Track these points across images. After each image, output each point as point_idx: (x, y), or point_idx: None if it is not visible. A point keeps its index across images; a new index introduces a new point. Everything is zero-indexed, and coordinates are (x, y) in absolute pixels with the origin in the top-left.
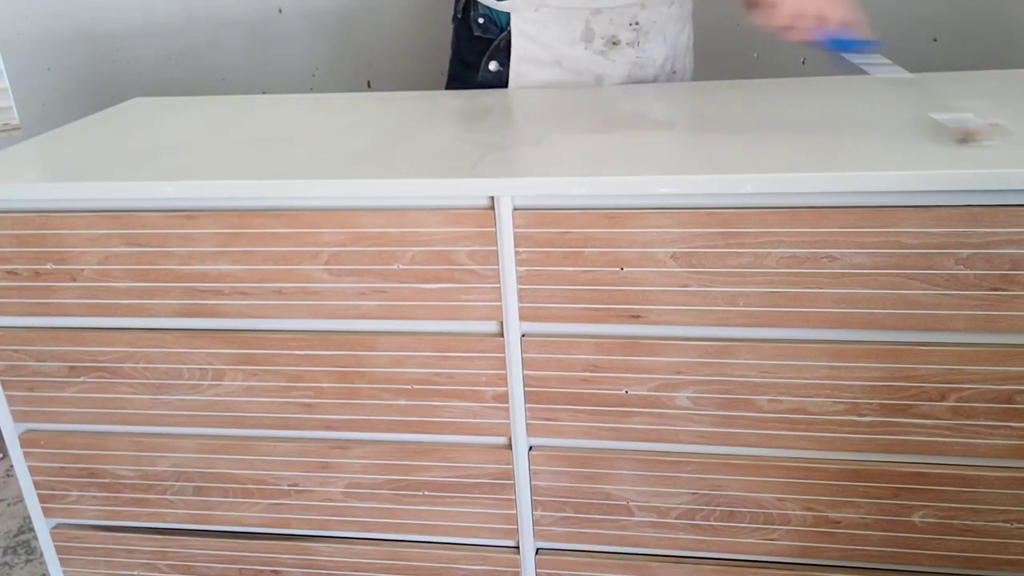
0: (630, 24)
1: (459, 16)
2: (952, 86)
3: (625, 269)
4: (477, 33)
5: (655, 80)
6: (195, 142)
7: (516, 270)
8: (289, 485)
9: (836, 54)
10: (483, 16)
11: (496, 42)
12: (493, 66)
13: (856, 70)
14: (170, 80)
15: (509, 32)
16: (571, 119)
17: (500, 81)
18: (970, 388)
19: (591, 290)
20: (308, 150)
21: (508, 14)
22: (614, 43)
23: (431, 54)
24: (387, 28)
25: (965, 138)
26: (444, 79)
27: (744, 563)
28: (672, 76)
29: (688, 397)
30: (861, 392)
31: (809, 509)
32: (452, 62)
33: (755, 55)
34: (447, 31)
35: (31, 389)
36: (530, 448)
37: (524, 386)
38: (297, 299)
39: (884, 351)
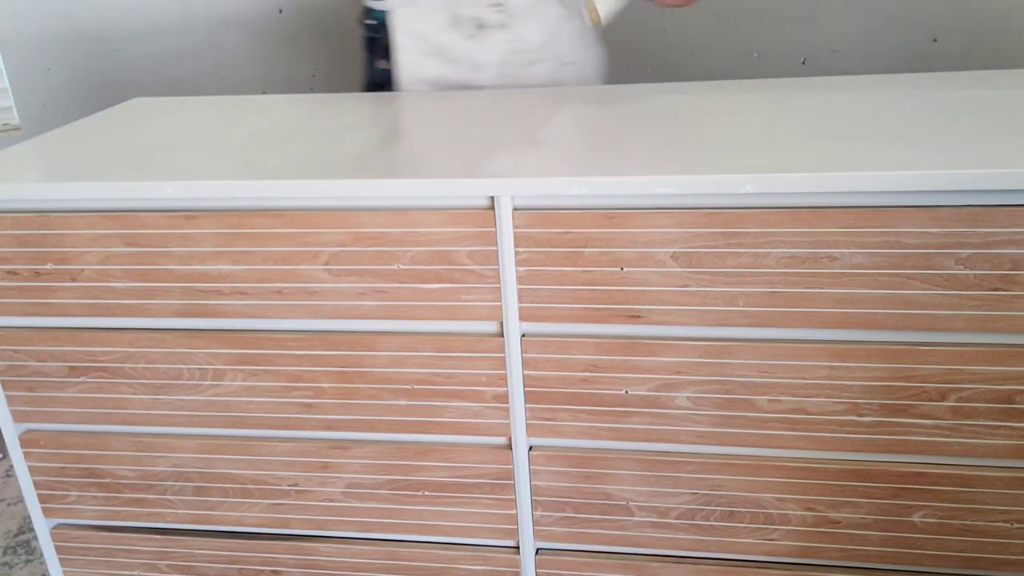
0: (494, 5)
1: (359, 22)
2: (952, 86)
3: (625, 269)
4: (370, 35)
5: (535, 65)
6: (195, 142)
7: (516, 270)
8: (289, 485)
9: None
10: (371, 18)
11: (381, 40)
12: (383, 63)
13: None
14: (170, 80)
15: (392, 29)
16: (571, 119)
17: (388, 78)
18: (970, 388)
19: (591, 290)
20: (308, 150)
21: (390, 12)
22: (480, 26)
23: None
24: None
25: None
26: None
27: (744, 563)
28: (565, 66)
29: (688, 397)
30: (861, 392)
31: (809, 509)
32: (362, 70)
33: (755, 55)
34: None
35: (31, 389)
36: (530, 448)
37: (524, 386)
38: (297, 299)
39: (884, 351)
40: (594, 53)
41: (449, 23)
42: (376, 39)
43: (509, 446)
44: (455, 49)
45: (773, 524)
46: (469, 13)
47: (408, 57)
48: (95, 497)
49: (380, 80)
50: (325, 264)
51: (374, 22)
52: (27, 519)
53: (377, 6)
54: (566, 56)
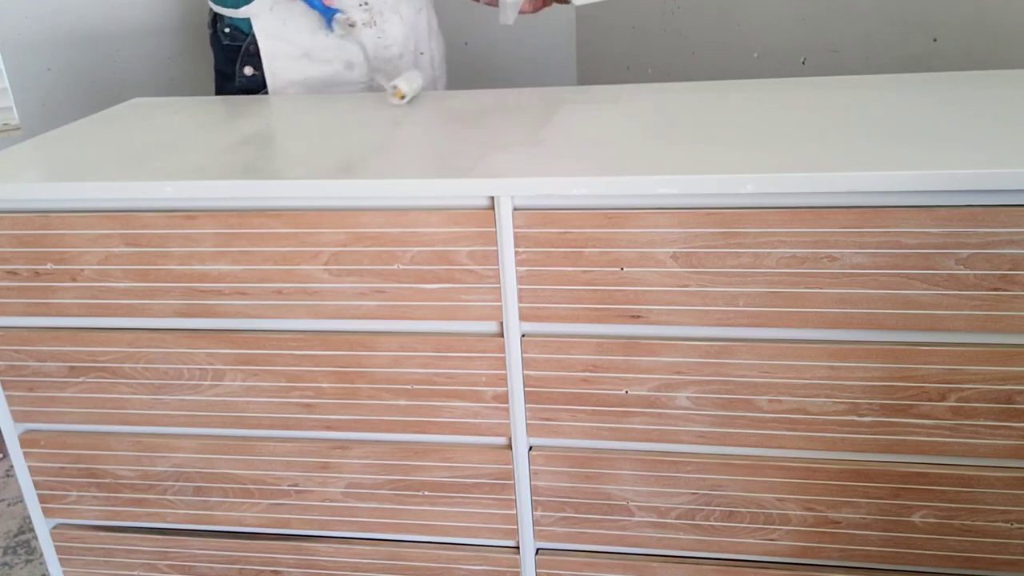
0: (360, 4)
1: (211, 31)
2: (952, 86)
3: (625, 269)
4: (226, 43)
5: (400, 58)
6: (195, 142)
7: (516, 270)
8: (289, 485)
9: None
10: (228, 26)
11: (245, 47)
12: (248, 71)
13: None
14: (170, 80)
15: (255, 35)
16: (571, 119)
17: (256, 84)
18: (970, 388)
19: (591, 290)
20: (308, 150)
21: (250, 20)
22: (350, 25)
23: None
24: None
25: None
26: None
27: (744, 563)
28: (419, 57)
29: (688, 397)
30: (861, 392)
31: (809, 509)
32: (216, 80)
33: (755, 55)
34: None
35: (31, 389)
36: (530, 448)
37: (524, 386)
38: (297, 299)
39: (884, 351)
40: (439, 43)
41: (318, 24)
42: (237, 47)
43: (509, 446)
44: (327, 48)
45: (773, 524)
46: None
47: (277, 63)
48: (95, 497)
49: (249, 87)
50: (325, 264)
51: (231, 30)
52: (27, 519)
53: (236, 15)
54: (422, 46)
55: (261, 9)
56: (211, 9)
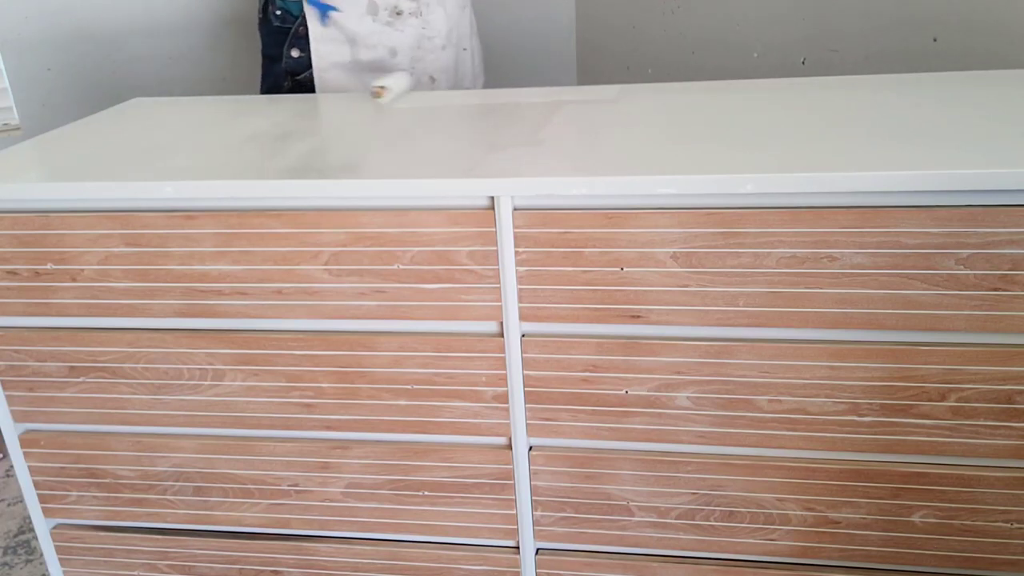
0: None
1: (260, 16)
2: (952, 86)
3: (625, 269)
4: (276, 24)
5: (443, 49)
6: (195, 142)
7: (516, 270)
8: (289, 485)
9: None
10: (280, 8)
11: (294, 29)
12: (295, 52)
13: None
14: (170, 80)
15: (305, 18)
16: (571, 119)
17: (303, 66)
18: (970, 388)
19: (591, 290)
20: (307, 150)
21: (301, 2)
22: (397, 13)
23: None
24: None
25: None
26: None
27: (744, 563)
28: (462, 53)
29: (688, 397)
30: (861, 392)
31: (809, 509)
32: (263, 65)
33: (755, 55)
34: None
35: (31, 389)
36: (530, 448)
37: (524, 386)
38: (297, 299)
39: (884, 351)
40: (478, 42)
41: (367, 10)
42: (287, 29)
43: (509, 446)
44: (371, 35)
45: (773, 524)
46: (387, 2)
47: (324, 46)
48: (95, 497)
49: (295, 69)
50: (325, 264)
51: (282, 13)
52: (27, 519)
53: None
54: (464, 42)
55: None
56: None
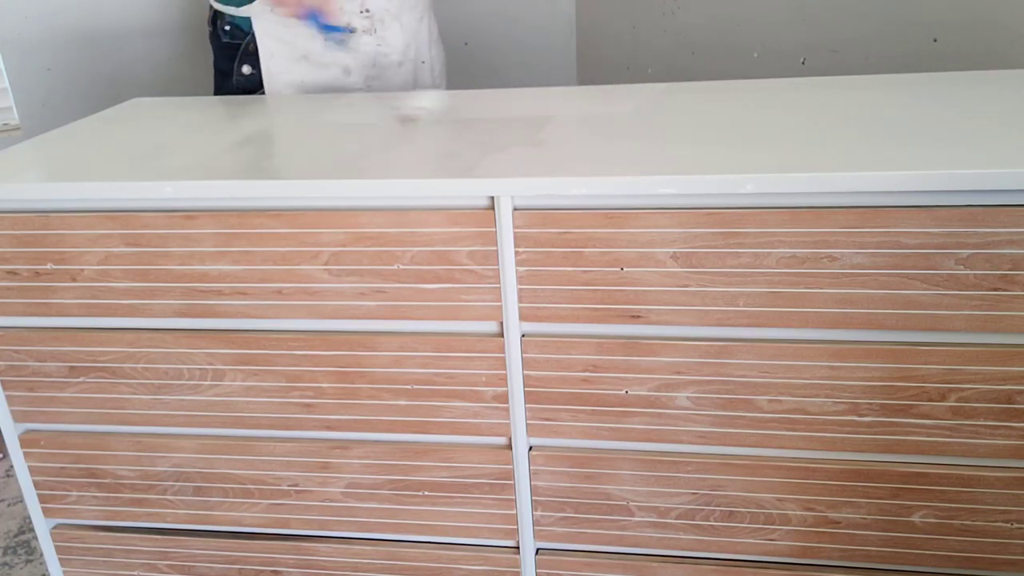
0: (361, 12)
1: (210, 29)
2: (952, 86)
3: (625, 269)
4: (225, 40)
5: (400, 66)
6: (195, 142)
7: (516, 270)
8: (289, 485)
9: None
10: (228, 24)
11: (244, 46)
12: (246, 69)
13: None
14: (170, 80)
15: (254, 35)
16: (571, 119)
17: (254, 84)
18: (970, 388)
19: (591, 290)
20: (308, 150)
21: (250, 19)
22: (350, 31)
23: None
24: None
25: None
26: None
27: (744, 563)
28: (420, 66)
29: (688, 397)
30: (861, 392)
31: (809, 509)
32: (215, 79)
33: (755, 55)
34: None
35: (31, 389)
36: (530, 448)
37: (524, 386)
38: (297, 299)
39: (884, 351)
40: (439, 51)
41: (318, 29)
42: (237, 45)
43: (509, 446)
44: (323, 54)
45: (773, 524)
46: (338, 20)
47: (275, 63)
48: (95, 497)
49: (246, 86)
50: (325, 264)
51: (231, 28)
52: (27, 519)
53: (238, 13)
54: (422, 55)
55: (263, 9)
56: (211, 6)
